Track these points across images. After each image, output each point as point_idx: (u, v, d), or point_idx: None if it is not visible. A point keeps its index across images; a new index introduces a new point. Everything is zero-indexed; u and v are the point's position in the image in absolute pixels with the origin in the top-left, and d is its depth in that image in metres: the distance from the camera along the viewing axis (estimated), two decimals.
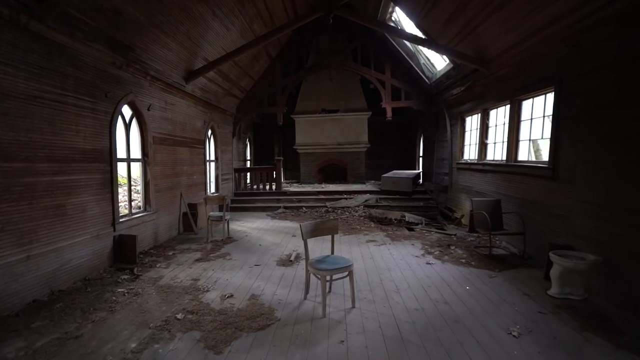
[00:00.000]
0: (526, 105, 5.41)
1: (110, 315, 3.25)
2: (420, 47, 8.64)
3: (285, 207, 9.26)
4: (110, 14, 4.14)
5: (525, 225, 4.91)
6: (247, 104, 10.17)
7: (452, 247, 5.55)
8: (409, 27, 7.91)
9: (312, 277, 3.73)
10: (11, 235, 3.25)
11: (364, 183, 11.65)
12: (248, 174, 10.82)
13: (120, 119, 5.12)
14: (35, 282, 3.50)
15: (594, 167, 3.79)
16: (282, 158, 10.46)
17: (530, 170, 5.06)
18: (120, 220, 4.94)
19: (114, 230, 4.73)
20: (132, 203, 6.00)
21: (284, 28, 6.77)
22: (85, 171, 4.19)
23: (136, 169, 6.47)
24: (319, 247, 5.52)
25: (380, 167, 12.78)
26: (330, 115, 11.81)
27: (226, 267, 4.77)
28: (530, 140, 5.40)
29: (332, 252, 3.75)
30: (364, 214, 8.31)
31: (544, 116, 4.92)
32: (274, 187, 10.09)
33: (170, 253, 5.42)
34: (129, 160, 5.39)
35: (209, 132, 8.55)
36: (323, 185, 11.27)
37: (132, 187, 8.38)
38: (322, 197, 9.61)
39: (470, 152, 7.70)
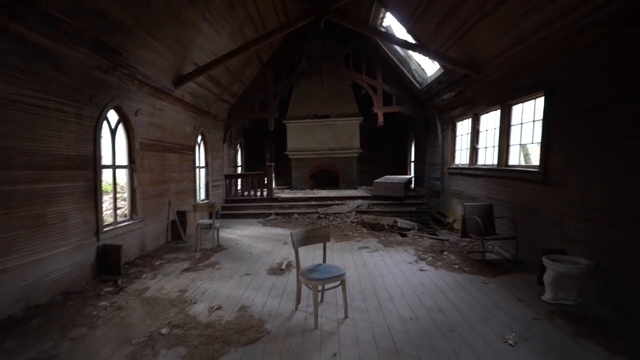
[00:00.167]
0: (516, 109, 5.44)
1: (90, 332, 3.09)
2: (411, 53, 8.69)
3: (277, 214, 9.14)
4: (96, 16, 4.03)
5: (517, 230, 4.89)
6: (238, 109, 10.07)
7: (445, 253, 5.50)
8: (400, 32, 7.94)
9: (304, 286, 3.62)
10: None
11: (356, 189, 11.60)
12: (239, 180, 10.69)
13: (105, 125, 4.98)
14: (10, 297, 3.31)
15: (585, 170, 3.79)
16: (273, 164, 10.37)
17: (521, 175, 5.06)
18: (105, 229, 4.77)
19: (98, 240, 4.56)
20: (118, 211, 5.83)
21: (276, 33, 6.72)
22: (67, 178, 4.03)
23: (122, 176, 6.31)
24: (310, 254, 5.42)
25: (373, 172, 12.76)
26: (322, 121, 11.78)
27: (215, 276, 4.63)
28: (520, 144, 5.42)
29: (324, 261, 3.65)
30: (356, 220, 8.24)
31: (534, 121, 4.94)
32: (265, 193, 9.97)
33: (157, 263, 5.25)
34: (114, 167, 5.23)
35: (199, 137, 8.41)
36: (315, 191, 11.18)
37: (118, 195, 8.18)
38: (314, 203, 9.52)
39: (461, 157, 7.72)
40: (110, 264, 4.62)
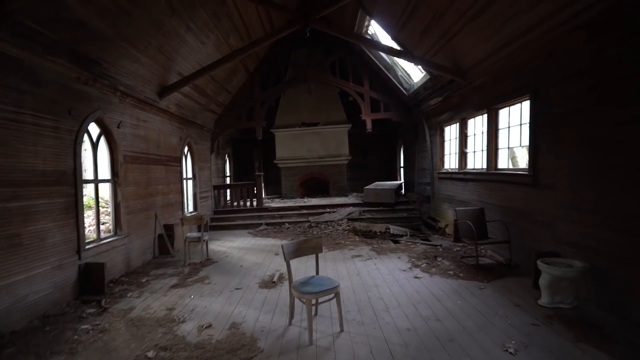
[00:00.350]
0: (503, 113, 5.48)
1: (69, 359, 2.89)
2: (397, 60, 8.76)
3: (267, 224, 8.98)
4: (74, 26, 3.89)
5: (509, 233, 4.88)
6: (225, 119, 9.94)
7: (439, 259, 5.45)
8: (386, 40, 7.99)
9: (297, 300, 3.50)
10: None
11: (346, 196, 11.54)
12: (228, 190, 10.50)
13: (86, 138, 4.80)
14: None
15: (574, 172, 3.81)
16: (262, 173, 10.24)
17: (511, 178, 5.07)
18: (87, 246, 4.55)
19: (80, 258, 4.34)
20: (102, 227, 5.62)
21: (261, 42, 6.67)
22: (45, 195, 3.83)
23: (106, 190, 6.09)
24: (303, 265, 5.29)
25: (363, 179, 12.74)
26: (310, 129, 11.73)
27: (205, 292, 4.45)
28: (509, 148, 5.45)
29: (317, 272, 3.54)
30: (347, 227, 8.15)
31: (521, 124, 4.98)
32: (255, 203, 9.81)
33: (144, 280, 5.04)
34: (96, 181, 5.04)
35: (186, 148, 8.24)
36: (305, 200, 11.08)
37: (102, 210, 7.91)
38: (305, 211, 9.40)
39: (450, 162, 7.75)
40: (93, 283, 4.41)
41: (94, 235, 5.08)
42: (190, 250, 6.20)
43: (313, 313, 3.44)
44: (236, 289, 4.54)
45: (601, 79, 3.41)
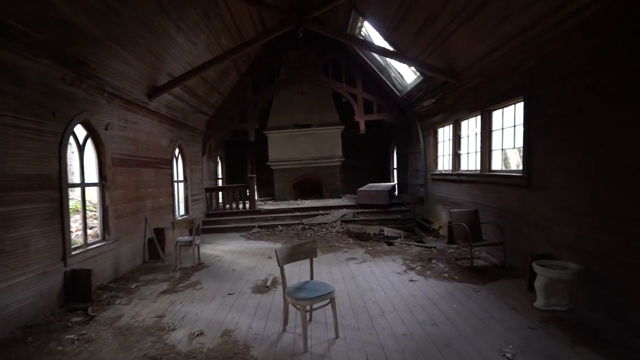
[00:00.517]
0: (496, 115, 5.48)
1: None
2: (391, 61, 8.74)
3: (260, 227, 8.87)
4: (59, 26, 3.77)
5: (504, 235, 4.87)
6: (217, 120, 9.81)
7: (434, 261, 5.42)
8: (379, 41, 7.96)
9: (291, 306, 3.42)
10: None
11: (340, 197, 11.49)
12: (220, 193, 10.36)
13: (72, 140, 4.66)
14: None
15: (569, 174, 3.80)
16: (255, 175, 10.13)
17: (505, 180, 5.07)
18: (73, 252, 4.41)
19: (65, 264, 4.20)
20: (90, 231, 5.46)
21: (253, 42, 6.58)
22: (28, 200, 3.69)
23: (94, 194, 5.94)
24: (297, 269, 5.20)
25: (356, 180, 12.71)
26: (303, 130, 11.66)
27: (196, 298, 4.34)
28: (502, 149, 5.45)
29: (312, 277, 3.47)
30: (341, 229, 8.10)
31: (514, 125, 4.98)
32: (247, 205, 9.70)
33: (133, 286, 4.90)
34: (83, 185, 4.89)
35: (177, 151, 8.10)
36: (299, 202, 10.99)
37: (91, 214, 7.73)
38: (298, 214, 9.32)
39: (444, 163, 7.75)
40: (79, 290, 4.26)
41: (80, 241, 4.93)
42: (181, 255, 6.06)
43: (307, 319, 3.36)
44: (229, 294, 4.44)
45: (596, 80, 3.40)
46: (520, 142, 4.75)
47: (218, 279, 5.10)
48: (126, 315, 3.86)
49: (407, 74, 8.56)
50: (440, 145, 7.96)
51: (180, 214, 8.23)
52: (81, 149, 4.88)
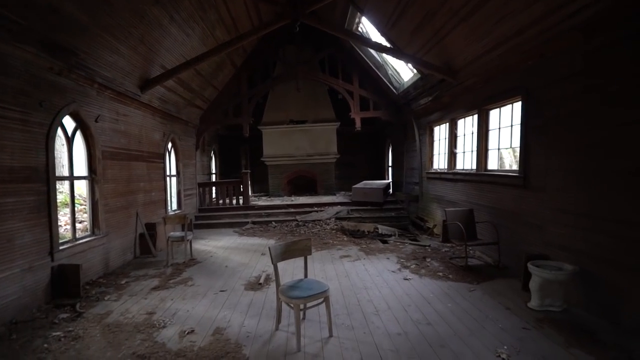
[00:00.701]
0: (494, 114, 5.46)
1: None
2: (388, 58, 8.68)
3: (254, 223, 8.79)
4: (46, 12, 3.62)
5: (498, 235, 4.86)
6: (211, 115, 9.67)
7: (428, 260, 5.41)
8: (376, 39, 7.89)
9: (284, 304, 3.36)
10: None
11: (334, 194, 11.45)
12: (213, 188, 10.24)
13: (61, 132, 4.52)
14: None
15: (566, 175, 3.79)
16: (249, 171, 10.01)
17: (501, 179, 5.05)
18: (61, 247, 4.29)
19: (53, 259, 4.08)
20: (80, 225, 5.33)
21: (249, 35, 6.45)
22: (13, 193, 3.56)
23: (83, 187, 5.80)
24: (290, 266, 5.15)
25: (351, 177, 12.69)
26: (298, 126, 11.57)
27: (187, 295, 4.26)
28: (498, 149, 5.44)
29: (306, 275, 3.41)
30: (335, 226, 8.06)
31: (511, 125, 4.96)
32: (241, 201, 9.60)
33: (123, 281, 4.80)
34: (72, 178, 4.76)
35: (169, 145, 7.95)
36: (293, 198, 10.92)
37: (81, 208, 7.57)
38: (292, 210, 9.26)
39: (439, 162, 7.74)
40: (67, 286, 4.15)
41: (69, 235, 4.81)
42: (173, 250, 5.97)
43: (301, 317, 3.31)
44: (221, 291, 4.37)
45: (595, 81, 3.38)
46: (517, 142, 4.73)
47: (210, 275, 5.02)
48: (115, 311, 3.77)
49: (404, 72, 8.51)
50: (436, 144, 7.94)
51: (173, 209, 8.11)
52: (70, 141, 4.74)
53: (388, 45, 7.10)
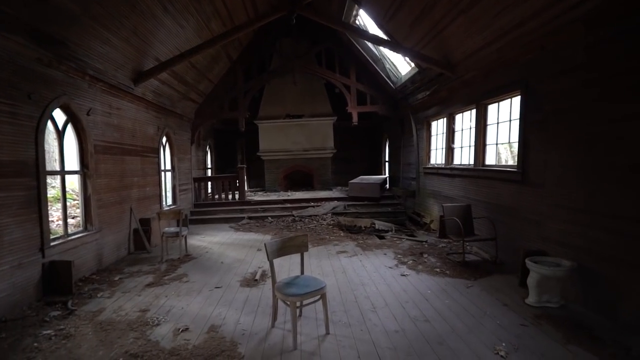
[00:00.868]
0: (492, 109, 5.41)
1: None
2: (386, 52, 8.58)
3: (250, 218, 8.72)
4: (34, 1, 3.49)
5: (496, 231, 4.84)
6: (206, 108, 9.53)
7: (425, 255, 5.38)
8: (374, 31, 7.78)
9: (281, 301, 3.32)
10: None
11: (331, 189, 11.39)
12: (209, 183, 10.14)
13: (51, 125, 4.40)
14: None
15: (564, 170, 3.76)
16: (245, 166, 9.91)
17: (499, 175, 5.02)
18: (52, 243, 4.20)
19: (43, 256, 4.00)
20: (72, 221, 5.24)
21: (244, 27, 6.33)
22: (1, 188, 3.45)
23: (76, 182, 5.69)
24: (287, 262, 5.10)
25: (347, 172, 12.63)
26: (295, 121, 11.46)
27: (182, 291, 4.20)
28: (497, 144, 5.39)
29: (302, 272, 3.36)
30: (332, 222, 8.01)
31: (510, 120, 4.92)
32: (237, 196, 9.52)
33: (117, 278, 4.73)
34: (63, 172, 4.66)
35: (164, 139, 7.83)
36: (289, 193, 10.85)
37: (73, 203, 7.45)
38: (289, 205, 9.19)
39: (437, 157, 7.69)
40: (59, 282, 4.07)
41: (61, 231, 4.71)
42: (167, 246, 5.90)
43: (297, 314, 3.27)
44: (216, 287, 4.31)
45: (596, 75, 3.33)
46: (515, 137, 4.68)
47: (205, 271, 4.96)
48: (108, 309, 3.71)
49: (402, 66, 8.42)
50: (433, 139, 7.89)
51: (168, 204, 8.02)
52: (61, 134, 4.63)
53: (386, 38, 7.00)
